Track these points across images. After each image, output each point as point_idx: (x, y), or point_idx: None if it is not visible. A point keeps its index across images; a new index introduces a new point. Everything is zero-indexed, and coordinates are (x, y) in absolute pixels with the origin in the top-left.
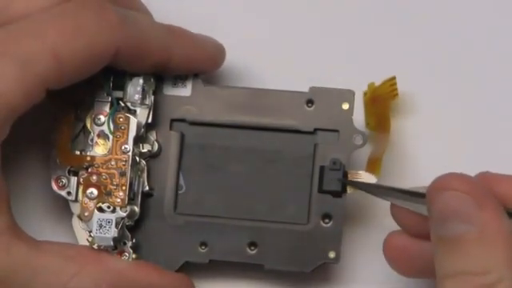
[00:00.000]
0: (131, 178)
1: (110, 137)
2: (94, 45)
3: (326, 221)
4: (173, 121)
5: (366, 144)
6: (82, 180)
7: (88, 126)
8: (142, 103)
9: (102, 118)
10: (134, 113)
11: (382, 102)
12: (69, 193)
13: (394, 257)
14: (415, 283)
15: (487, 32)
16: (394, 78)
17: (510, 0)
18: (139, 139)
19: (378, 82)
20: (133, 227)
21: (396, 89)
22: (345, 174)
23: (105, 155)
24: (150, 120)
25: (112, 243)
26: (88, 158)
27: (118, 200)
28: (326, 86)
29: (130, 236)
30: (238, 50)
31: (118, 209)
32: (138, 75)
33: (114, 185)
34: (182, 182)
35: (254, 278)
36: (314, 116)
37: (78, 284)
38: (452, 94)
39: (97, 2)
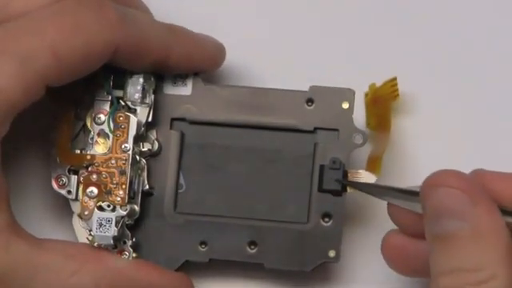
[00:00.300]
0: (131, 177)
1: (110, 136)
2: (93, 42)
3: (326, 220)
4: (173, 120)
5: (366, 143)
6: (82, 179)
7: (88, 124)
8: (142, 102)
9: (102, 117)
10: (134, 112)
11: (383, 103)
12: (69, 192)
13: (392, 256)
14: (415, 283)
15: (487, 32)
16: (394, 78)
17: (510, 0)
18: (139, 138)
19: (378, 83)
20: (133, 226)
21: (397, 89)
22: (345, 173)
23: (105, 154)
24: (150, 119)
25: (112, 242)
26: (88, 157)
27: (118, 199)
28: (327, 85)
29: (129, 235)
30: (239, 50)
31: (118, 207)
32: (138, 74)
33: (114, 183)
34: (182, 181)
35: (253, 277)
36: (314, 115)
37: (78, 282)
38: (452, 93)
39: (96, 0)
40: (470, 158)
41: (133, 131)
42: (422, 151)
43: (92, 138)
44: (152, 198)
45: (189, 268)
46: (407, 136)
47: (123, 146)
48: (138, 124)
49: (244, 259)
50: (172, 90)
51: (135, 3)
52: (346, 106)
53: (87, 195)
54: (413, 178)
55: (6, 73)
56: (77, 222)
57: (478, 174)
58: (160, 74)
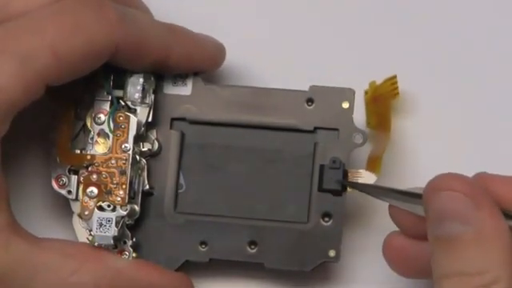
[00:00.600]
0: (131, 177)
1: (110, 136)
2: (93, 42)
3: (326, 219)
4: (173, 120)
5: (366, 143)
6: (82, 179)
7: (88, 124)
8: (143, 102)
9: (102, 117)
10: (134, 112)
11: (383, 102)
12: (69, 191)
13: (393, 257)
14: (415, 283)
15: (487, 32)
16: (394, 76)
17: (511, 0)
18: (139, 138)
19: (378, 81)
20: (133, 226)
21: (397, 87)
22: (345, 173)
23: (105, 154)
24: (150, 119)
25: (112, 242)
26: (88, 157)
27: (119, 199)
28: (327, 85)
29: (130, 235)
30: (239, 50)
31: (118, 207)
32: (138, 74)
33: (114, 183)
34: (182, 180)
35: (254, 276)
36: (314, 115)
37: (78, 281)
38: (452, 93)
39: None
40: (470, 157)
41: (133, 131)
42: (422, 151)
43: (92, 138)
44: (152, 197)
45: (189, 268)
46: (407, 136)
47: (123, 146)
48: (138, 124)
49: (244, 259)
50: (172, 90)
51: (135, 3)
52: (346, 105)
53: (87, 195)
54: (413, 179)
55: (6, 72)
56: (77, 222)
57: (481, 177)
58: (160, 74)
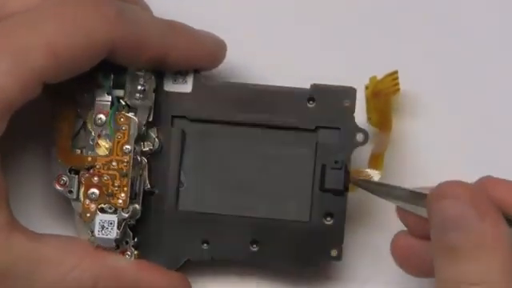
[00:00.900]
0: (133, 178)
1: (112, 137)
2: (91, 39)
3: (328, 219)
4: (174, 117)
5: (368, 141)
6: (83, 180)
7: (89, 126)
8: (143, 101)
9: (103, 118)
10: (134, 111)
11: (384, 97)
12: (70, 191)
13: (401, 257)
14: (417, 282)
15: (488, 32)
16: (395, 72)
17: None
18: (140, 138)
19: (379, 77)
20: (134, 225)
21: (398, 83)
22: (347, 172)
23: (106, 156)
24: (150, 118)
25: (114, 244)
26: (89, 159)
27: (120, 201)
28: (328, 83)
29: (131, 235)
30: (240, 46)
31: (119, 210)
32: (138, 73)
33: (115, 186)
34: (183, 178)
35: (255, 275)
36: (316, 113)
37: (78, 277)
38: (454, 93)
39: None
40: (472, 158)
41: (134, 132)
42: (424, 151)
43: (93, 140)
44: (153, 196)
45: (190, 266)
46: (409, 136)
47: (124, 148)
48: (139, 125)
49: (246, 259)
50: (172, 88)
51: (135, 0)
52: (347, 104)
53: (88, 197)
54: (414, 178)
55: (3, 70)
56: (78, 223)
57: (484, 182)
58: (160, 71)
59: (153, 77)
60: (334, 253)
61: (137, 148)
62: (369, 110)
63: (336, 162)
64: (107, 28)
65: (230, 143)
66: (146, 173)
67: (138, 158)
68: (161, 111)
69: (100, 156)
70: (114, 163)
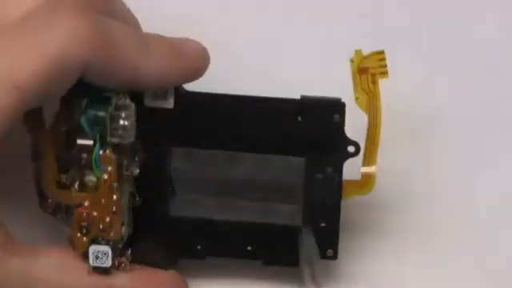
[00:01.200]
0: (123, 207)
1: (98, 176)
2: (59, 65)
3: (322, 224)
4: (158, 133)
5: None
6: (72, 212)
7: (73, 167)
8: (126, 139)
9: (87, 158)
10: (118, 145)
11: (372, 77)
12: (59, 216)
13: None
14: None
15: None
16: (382, 52)
17: None
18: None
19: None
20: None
21: (385, 65)
22: (339, 184)
23: (94, 193)
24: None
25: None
26: (76, 198)
27: (112, 234)
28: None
29: (126, 250)
30: (225, 53)
31: (112, 242)
32: (118, 112)
33: (106, 222)
34: (173, 185)
35: (250, 275)
36: (305, 129)
37: None
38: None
39: (66, 12)
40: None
41: (120, 169)
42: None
43: (79, 177)
44: (144, 204)
45: (185, 267)
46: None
47: (112, 185)
48: (124, 162)
49: (240, 257)
50: (153, 103)
51: (121, 14)
52: (337, 119)
53: (79, 230)
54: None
55: None
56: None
57: None
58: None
59: (133, 106)
60: (329, 253)
61: (125, 176)
62: (356, 89)
63: (327, 176)
64: (79, 50)
65: (217, 154)
66: (134, 189)
67: (127, 187)
68: (143, 128)
69: (88, 193)
70: (102, 200)
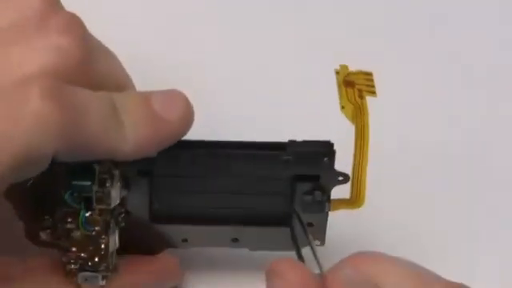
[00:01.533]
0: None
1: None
2: (25, 159)
3: (310, 227)
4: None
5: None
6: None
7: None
8: (112, 203)
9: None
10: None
11: (358, 92)
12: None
13: None
14: None
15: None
16: (370, 73)
17: None
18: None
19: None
20: None
21: (374, 86)
22: (328, 203)
23: (80, 242)
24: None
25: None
26: (61, 245)
27: (102, 268)
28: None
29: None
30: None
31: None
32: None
33: (95, 261)
34: (154, 201)
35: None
36: (293, 167)
37: None
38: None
39: (33, 97)
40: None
41: (107, 225)
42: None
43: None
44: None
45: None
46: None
47: (100, 238)
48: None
49: (226, 246)
50: None
51: (105, 75)
52: (326, 160)
53: (67, 262)
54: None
55: None
56: None
57: (352, 258)
58: None
59: (117, 174)
60: (316, 242)
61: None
62: (342, 97)
63: (314, 200)
64: (46, 143)
65: (201, 174)
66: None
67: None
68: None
69: (74, 241)
70: (90, 248)
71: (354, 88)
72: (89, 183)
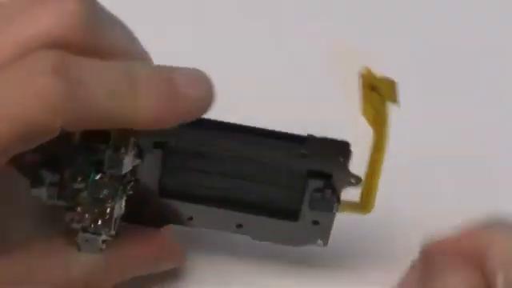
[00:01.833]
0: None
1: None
2: (29, 134)
3: (316, 225)
4: (156, 143)
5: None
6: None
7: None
8: (124, 169)
9: (81, 183)
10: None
11: (382, 99)
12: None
13: None
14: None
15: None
16: (394, 82)
17: None
18: None
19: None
20: None
21: (396, 95)
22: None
23: (85, 203)
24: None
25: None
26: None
27: (103, 233)
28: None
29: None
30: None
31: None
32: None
33: (98, 225)
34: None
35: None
36: (308, 162)
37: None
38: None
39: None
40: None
41: (115, 194)
42: None
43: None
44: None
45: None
46: None
47: (106, 202)
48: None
49: (230, 232)
50: None
51: (115, 46)
52: (341, 160)
53: (70, 220)
54: None
55: None
56: None
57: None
58: None
59: (131, 141)
60: (319, 242)
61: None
62: (365, 101)
63: (324, 199)
64: (49, 119)
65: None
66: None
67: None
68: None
69: (80, 202)
70: (95, 210)
71: (378, 93)
72: (103, 147)
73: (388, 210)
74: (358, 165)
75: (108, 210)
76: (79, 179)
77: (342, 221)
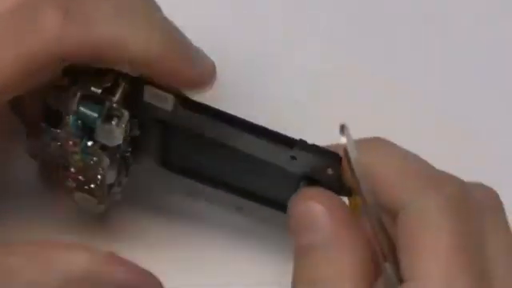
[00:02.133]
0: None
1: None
2: (33, 65)
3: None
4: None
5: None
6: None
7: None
8: (115, 141)
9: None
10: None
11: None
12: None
13: None
14: None
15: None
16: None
17: None
18: None
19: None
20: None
21: None
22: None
23: (79, 165)
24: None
25: None
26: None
27: (97, 195)
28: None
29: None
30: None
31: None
32: (108, 125)
33: (92, 188)
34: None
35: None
36: (298, 165)
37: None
38: None
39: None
40: None
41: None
42: None
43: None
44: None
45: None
46: None
47: (97, 169)
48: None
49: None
50: (152, 100)
51: None
52: (330, 172)
53: (65, 179)
54: None
55: None
56: None
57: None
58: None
59: (126, 115)
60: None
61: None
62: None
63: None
64: (53, 50)
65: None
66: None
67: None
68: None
69: (73, 163)
70: (88, 173)
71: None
72: (95, 115)
73: None
74: None
75: (99, 177)
76: (71, 142)
77: None
